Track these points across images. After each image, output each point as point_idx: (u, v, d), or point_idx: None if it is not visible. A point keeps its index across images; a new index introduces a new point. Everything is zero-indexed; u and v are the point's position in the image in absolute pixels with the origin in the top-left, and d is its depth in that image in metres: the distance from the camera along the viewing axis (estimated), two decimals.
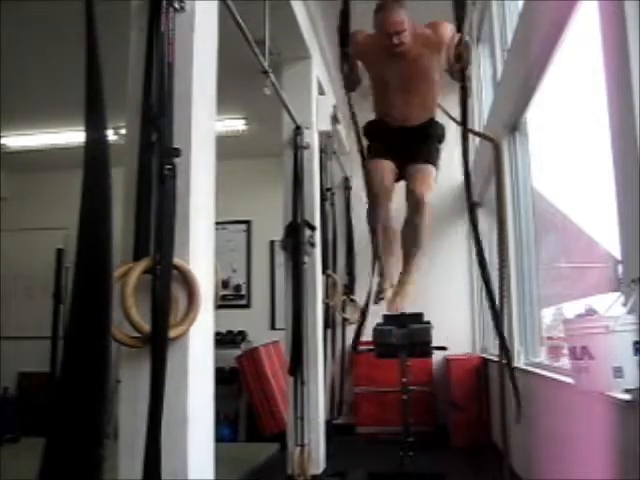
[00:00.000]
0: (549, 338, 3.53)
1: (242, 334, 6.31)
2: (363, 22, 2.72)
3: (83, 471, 0.79)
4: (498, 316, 2.71)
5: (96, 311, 0.83)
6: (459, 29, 2.57)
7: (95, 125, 0.88)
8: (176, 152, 1.69)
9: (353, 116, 3.03)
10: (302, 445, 3.67)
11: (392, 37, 2.59)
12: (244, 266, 6.70)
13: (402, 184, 2.97)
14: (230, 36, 2.41)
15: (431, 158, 2.95)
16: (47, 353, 5.59)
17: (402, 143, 2.92)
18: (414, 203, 2.86)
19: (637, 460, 1.66)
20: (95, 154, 0.87)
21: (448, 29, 2.67)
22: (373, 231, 3.07)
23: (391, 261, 3.04)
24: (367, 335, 4.44)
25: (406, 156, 2.91)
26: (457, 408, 5.22)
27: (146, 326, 1.56)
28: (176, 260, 1.63)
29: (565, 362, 2.68)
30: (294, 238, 3.87)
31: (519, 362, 3.59)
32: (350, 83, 2.93)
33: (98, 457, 0.80)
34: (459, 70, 2.64)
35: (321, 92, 4.61)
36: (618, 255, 2.14)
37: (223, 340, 5.91)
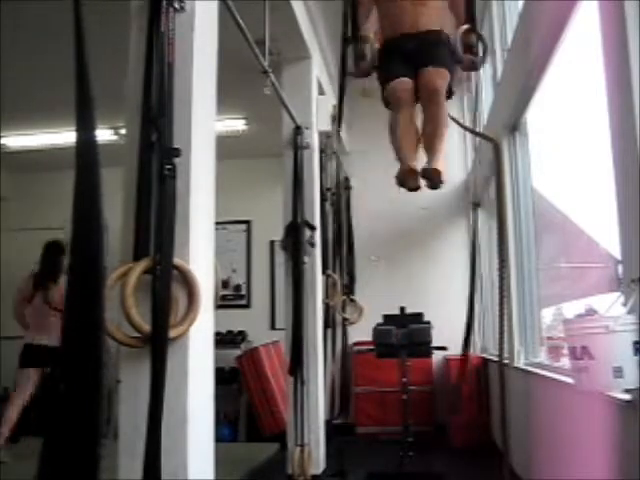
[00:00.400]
0: (549, 338, 3.54)
1: (242, 334, 6.31)
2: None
3: (80, 470, 0.79)
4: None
5: (89, 310, 0.83)
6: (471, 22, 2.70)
7: (84, 126, 0.89)
8: (176, 152, 1.69)
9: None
10: (302, 445, 3.67)
11: None
12: (244, 266, 6.70)
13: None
14: (230, 36, 2.41)
15: (444, 61, 2.82)
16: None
17: (414, 50, 2.83)
18: (428, 94, 2.77)
19: (637, 460, 1.66)
20: (85, 154, 0.87)
21: None
22: (395, 136, 2.89)
23: (409, 140, 2.88)
24: (367, 335, 4.45)
25: (419, 63, 2.80)
26: (455, 409, 5.23)
27: (146, 326, 1.56)
28: (176, 260, 1.63)
29: (565, 362, 2.68)
30: (294, 238, 3.87)
31: (519, 362, 3.59)
32: (363, 64, 2.92)
33: (95, 456, 0.80)
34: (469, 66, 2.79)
35: (321, 92, 4.61)
36: (618, 255, 2.14)
37: (223, 340, 5.91)
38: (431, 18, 2.84)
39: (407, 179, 2.78)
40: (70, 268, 0.86)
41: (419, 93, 2.81)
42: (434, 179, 2.71)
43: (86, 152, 0.87)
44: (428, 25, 2.83)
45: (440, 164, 2.76)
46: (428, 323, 4.34)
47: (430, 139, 2.83)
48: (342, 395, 5.43)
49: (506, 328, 3.35)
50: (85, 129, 0.89)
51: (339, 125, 4.21)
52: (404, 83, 2.80)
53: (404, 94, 2.81)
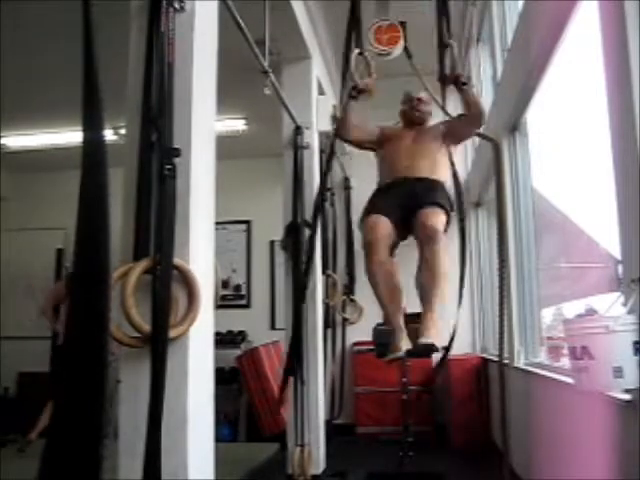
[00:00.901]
0: (549, 338, 3.53)
1: (242, 334, 6.31)
2: None
3: (82, 470, 0.79)
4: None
5: (94, 310, 0.83)
6: (441, 29, 2.71)
7: (92, 125, 0.89)
8: (176, 152, 1.69)
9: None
10: (302, 445, 3.67)
11: (415, 102, 3.06)
12: (244, 266, 6.70)
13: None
14: (230, 36, 2.41)
15: (442, 202, 2.69)
16: (47, 353, 5.59)
17: (406, 193, 2.73)
18: (425, 234, 2.55)
19: (637, 460, 1.66)
20: (92, 153, 0.87)
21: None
22: (374, 285, 2.68)
23: (394, 309, 2.63)
24: (367, 335, 4.45)
25: (411, 207, 2.65)
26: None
27: (146, 326, 1.56)
28: (176, 260, 1.63)
29: (565, 362, 2.68)
30: (294, 238, 3.87)
31: (519, 362, 3.59)
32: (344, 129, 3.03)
33: (97, 456, 0.80)
34: (453, 78, 2.83)
35: (321, 92, 4.61)
36: (618, 255, 2.14)
37: (223, 340, 5.91)
38: (430, 168, 2.86)
39: (390, 349, 2.50)
40: (75, 268, 0.86)
41: (416, 235, 2.63)
42: (425, 354, 2.45)
43: (94, 152, 0.87)
44: (425, 172, 2.84)
45: (436, 331, 2.43)
46: None
47: (427, 290, 2.52)
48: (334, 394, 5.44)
49: (506, 328, 3.35)
50: (93, 128, 0.89)
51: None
52: (382, 224, 2.62)
53: (377, 235, 2.60)
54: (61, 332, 4.65)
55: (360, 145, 3.17)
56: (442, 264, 2.51)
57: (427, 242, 2.55)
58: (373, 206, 2.81)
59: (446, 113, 3.16)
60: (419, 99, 3.08)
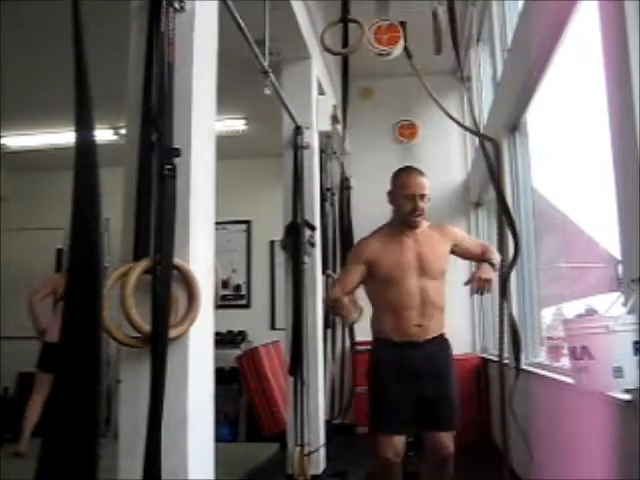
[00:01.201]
0: (549, 338, 3.53)
1: (242, 334, 6.31)
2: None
3: (79, 470, 0.79)
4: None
5: (88, 309, 0.84)
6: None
7: (82, 125, 0.89)
8: (176, 152, 1.69)
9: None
10: (302, 445, 3.67)
11: (415, 201, 2.58)
12: (244, 266, 6.70)
13: None
14: (230, 36, 2.41)
15: (456, 416, 2.59)
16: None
17: (418, 376, 2.55)
18: (440, 460, 2.55)
19: (637, 460, 1.66)
20: (83, 154, 0.88)
21: (455, 230, 2.82)
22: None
23: None
24: (367, 335, 4.45)
25: (426, 411, 2.55)
26: None
27: (146, 326, 1.56)
28: (176, 260, 1.63)
29: (565, 362, 2.68)
30: (294, 238, 3.87)
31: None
32: None
33: (93, 456, 0.80)
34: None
35: (321, 92, 4.61)
36: (618, 255, 2.14)
37: (223, 340, 5.91)
38: (435, 313, 2.61)
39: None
40: (69, 268, 0.86)
41: (428, 451, 2.59)
42: None
43: (85, 153, 0.88)
44: (430, 329, 2.60)
45: None
46: None
47: None
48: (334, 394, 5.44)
49: (506, 328, 3.35)
50: (83, 129, 0.89)
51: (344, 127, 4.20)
52: (397, 447, 2.51)
53: (394, 460, 2.52)
54: (49, 328, 4.60)
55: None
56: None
57: (441, 464, 2.58)
58: (384, 399, 2.58)
59: (446, 114, 3.15)
60: (422, 196, 2.60)
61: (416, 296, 2.59)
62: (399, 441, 2.53)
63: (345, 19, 2.89)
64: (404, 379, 2.55)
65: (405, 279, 2.60)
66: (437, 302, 2.64)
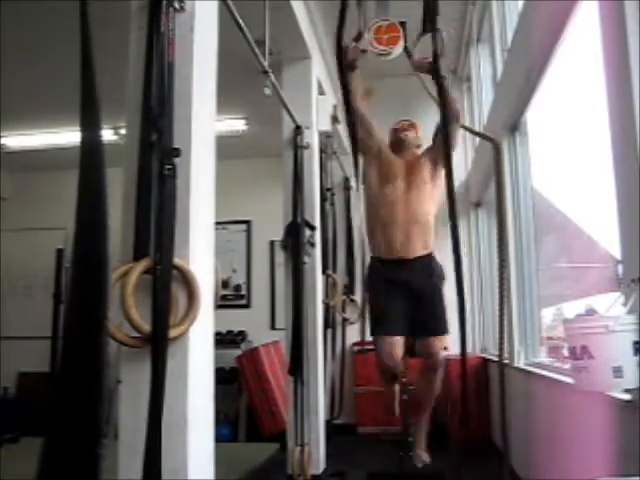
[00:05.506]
0: (549, 338, 3.53)
1: (242, 334, 6.31)
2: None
3: (81, 470, 0.79)
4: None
5: (92, 310, 0.83)
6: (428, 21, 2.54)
7: (89, 126, 0.89)
8: (176, 152, 1.69)
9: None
10: (302, 445, 3.67)
11: (401, 126, 3.29)
12: (244, 266, 6.70)
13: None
14: (230, 36, 2.41)
15: (443, 324, 3.09)
16: (47, 353, 5.59)
17: (410, 293, 3.05)
18: (430, 365, 3.08)
19: (637, 460, 1.66)
20: (90, 154, 0.87)
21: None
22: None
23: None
24: (367, 335, 4.45)
25: (416, 319, 3.05)
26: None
27: (146, 326, 1.56)
28: (176, 260, 1.63)
29: (565, 362, 2.68)
30: (294, 238, 3.87)
31: (519, 362, 3.59)
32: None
33: (96, 456, 0.80)
34: (429, 67, 2.57)
35: (321, 92, 4.61)
36: (618, 255, 2.14)
37: (223, 340, 5.91)
38: (420, 235, 3.08)
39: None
40: (73, 268, 0.86)
41: (421, 353, 3.11)
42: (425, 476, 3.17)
43: (91, 152, 0.87)
44: (417, 248, 3.07)
45: (425, 444, 3.31)
46: None
47: (420, 406, 3.23)
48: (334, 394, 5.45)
49: (506, 328, 3.35)
50: (90, 129, 0.89)
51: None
52: (395, 348, 3.03)
53: (392, 363, 3.06)
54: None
55: (356, 125, 3.08)
56: (437, 387, 3.16)
57: (431, 369, 3.08)
58: (382, 314, 3.08)
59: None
60: (408, 126, 3.36)
61: (401, 210, 3.05)
62: (395, 342, 3.00)
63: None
64: (394, 292, 3.02)
65: (395, 185, 3.10)
66: (422, 218, 3.07)
